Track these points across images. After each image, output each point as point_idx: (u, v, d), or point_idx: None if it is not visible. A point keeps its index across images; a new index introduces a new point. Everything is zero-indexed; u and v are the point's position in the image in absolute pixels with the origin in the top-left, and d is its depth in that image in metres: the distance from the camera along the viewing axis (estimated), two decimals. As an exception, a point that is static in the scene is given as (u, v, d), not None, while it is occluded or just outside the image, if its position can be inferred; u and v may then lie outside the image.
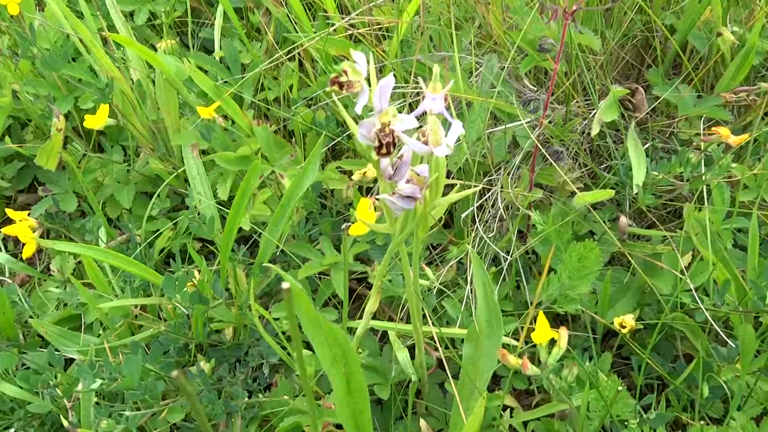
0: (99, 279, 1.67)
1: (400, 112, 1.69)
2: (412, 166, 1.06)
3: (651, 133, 2.05)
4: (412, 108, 1.84)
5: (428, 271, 1.47)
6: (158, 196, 2.00)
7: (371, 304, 1.25)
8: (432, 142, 0.96)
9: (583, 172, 1.91)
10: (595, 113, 1.95)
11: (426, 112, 1.10)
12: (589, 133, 2.03)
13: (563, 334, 1.19)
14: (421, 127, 1.03)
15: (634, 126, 1.91)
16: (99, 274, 1.68)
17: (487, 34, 1.88)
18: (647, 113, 2.06)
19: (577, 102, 1.93)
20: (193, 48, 2.42)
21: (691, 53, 2.17)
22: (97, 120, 1.72)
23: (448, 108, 1.06)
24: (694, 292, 1.53)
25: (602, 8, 1.46)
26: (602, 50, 2.04)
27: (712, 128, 1.54)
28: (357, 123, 0.97)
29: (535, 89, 1.76)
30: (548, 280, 1.55)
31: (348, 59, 0.96)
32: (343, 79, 0.96)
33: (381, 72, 1.93)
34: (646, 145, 1.88)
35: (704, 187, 1.73)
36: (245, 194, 1.60)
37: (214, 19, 2.32)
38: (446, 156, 0.96)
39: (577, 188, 1.95)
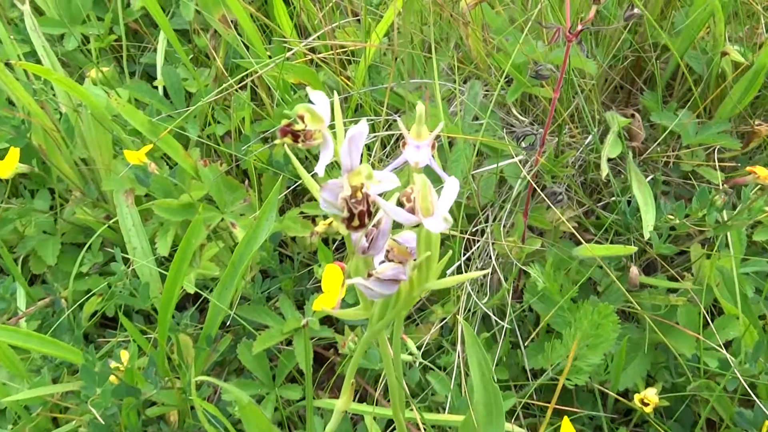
0: (10, 360, 1.38)
1: (369, 151, 1.42)
2: (392, 234, 0.81)
3: (650, 164, 1.84)
4: (384, 145, 1.59)
5: (410, 343, 1.22)
6: (89, 249, 1.71)
7: (343, 402, 0.99)
8: (421, 210, 0.71)
9: (577, 211, 1.68)
10: (588, 142, 1.72)
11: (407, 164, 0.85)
12: (581, 166, 1.81)
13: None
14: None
15: (632, 158, 1.69)
16: (10, 355, 1.38)
17: (466, 56, 1.65)
18: (644, 141, 1.85)
19: (570, 131, 1.70)
20: (135, 76, 2.14)
21: (682, 75, 1.97)
22: (5, 167, 1.43)
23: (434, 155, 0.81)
24: (723, 351, 1.30)
25: (610, 28, 1.24)
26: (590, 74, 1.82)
27: (748, 168, 1.32)
28: (319, 185, 0.72)
29: (525, 120, 1.52)
30: (551, 345, 1.31)
31: (308, 86, 0.71)
32: (298, 127, 0.70)
33: (346, 102, 1.68)
34: (648, 178, 1.66)
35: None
36: (187, 253, 1.33)
37: (157, 43, 2.05)
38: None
39: (572, 229, 1.72)
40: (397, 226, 0.83)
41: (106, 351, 1.64)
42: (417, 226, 0.75)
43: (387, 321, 0.83)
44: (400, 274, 0.76)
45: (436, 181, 0.91)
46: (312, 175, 0.84)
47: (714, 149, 1.83)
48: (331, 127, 0.71)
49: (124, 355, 1.27)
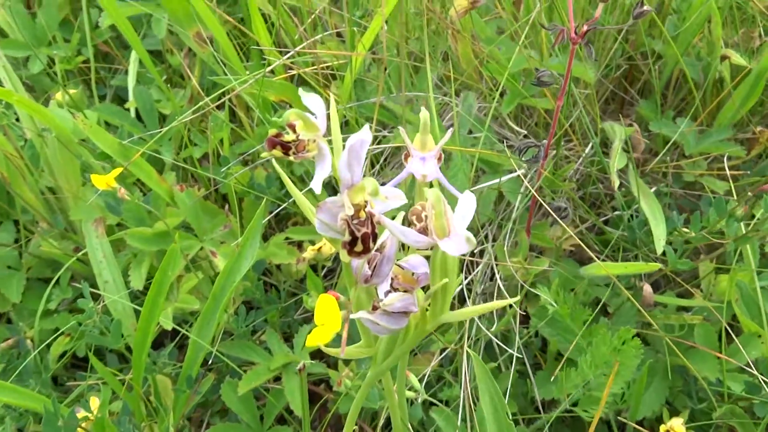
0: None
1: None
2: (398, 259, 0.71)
3: (650, 175, 1.76)
4: (373, 164, 1.49)
5: (413, 379, 1.10)
6: (56, 284, 1.58)
7: (343, 451, 0.88)
8: (436, 230, 0.61)
9: (580, 227, 1.59)
10: (587, 153, 1.64)
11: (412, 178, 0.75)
12: (579, 179, 1.72)
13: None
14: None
15: (632, 169, 1.61)
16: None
17: (455, 67, 1.56)
18: (644, 152, 1.77)
19: (569, 142, 1.62)
20: (105, 100, 2.02)
21: (677, 81, 1.90)
22: (-39, 198, 1.30)
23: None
24: (751, 371, 1.20)
25: (616, 27, 1.16)
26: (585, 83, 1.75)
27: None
28: (315, 205, 0.61)
29: (521, 132, 1.43)
30: (565, 374, 1.20)
31: (292, 106, 0.60)
32: (288, 137, 0.60)
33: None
34: (652, 190, 1.57)
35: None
36: (163, 286, 1.21)
37: (128, 64, 1.94)
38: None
39: (573, 245, 1.63)
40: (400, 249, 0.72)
41: (77, 395, 1.51)
42: (429, 249, 0.65)
43: (394, 359, 0.73)
44: (410, 305, 0.66)
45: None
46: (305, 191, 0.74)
47: (715, 158, 1.76)
48: (327, 138, 0.61)
49: (94, 402, 1.14)
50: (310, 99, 0.58)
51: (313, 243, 1.44)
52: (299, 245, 1.61)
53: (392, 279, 0.71)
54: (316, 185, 0.58)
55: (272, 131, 0.58)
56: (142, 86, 1.72)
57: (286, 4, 1.73)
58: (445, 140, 0.71)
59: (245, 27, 1.72)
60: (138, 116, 1.77)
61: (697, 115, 1.72)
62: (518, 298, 0.70)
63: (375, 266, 0.69)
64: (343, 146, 0.58)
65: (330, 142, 0.60)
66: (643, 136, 1.74)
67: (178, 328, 1.35)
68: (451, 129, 0.71)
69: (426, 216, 0.62)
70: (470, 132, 1.42)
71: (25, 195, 1.64)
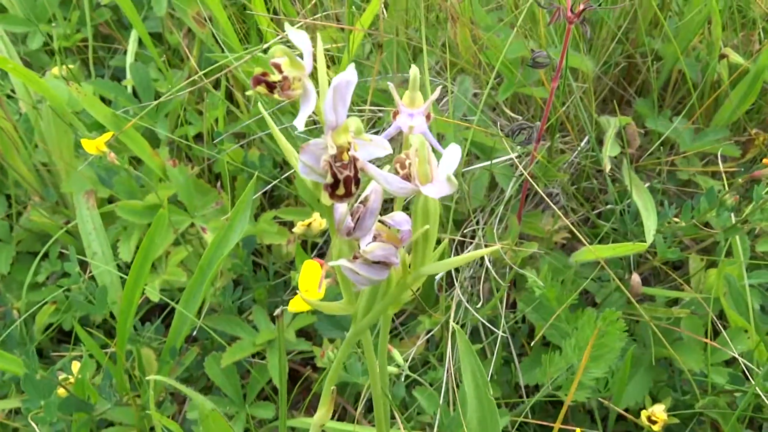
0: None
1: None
2: (382, 215, 0.70)
3: (644, 172, 1.76)
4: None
5: (396, 354, 1.10)
6: (45, 257, 1.58)
7: (321, 415, 0.87)
8: (419, 176, 0.60)
9: (573, 217, 1.59)
10: (583, 146, 1.64)
11: (400, 135, 0.75)
12: (574, 173, 1.72)
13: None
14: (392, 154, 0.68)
15: (628, 163, 1.61)
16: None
17: (453, 52, 1.56)
18: (638, 148, 1.77)
19: (564, 134, 1.62)
20: (103, 79, 2.02)
21: (675, 82, 1.90)
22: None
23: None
24: (737, 363, 1.20)
25: (615, 7, 1.16)
26: (585, 76, 1.75)
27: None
28: (297, 148, 0.61)
29: (519, 119, 1.43)
30: (549, 358, 1.20)
31: (287, 23, 0.61)
32: (274, 77, 0.59)
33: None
34: (645, 185, 1.57)
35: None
36: (149, 254, 1.21)
37: (128, 45, 1.94)
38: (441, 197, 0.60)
39: (563, 238, 1.63)
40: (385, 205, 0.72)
41: (61, 366, 1.50)
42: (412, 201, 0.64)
43: (374, 316, 0.72)
44: (391, 255, 0.65)
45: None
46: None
47: (710, 159, 1.76)
48: (313, 77, 0.61)
49: (76, 366, 1.14)
50: (296, 36, 0.58)
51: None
52: (290, 228, 1.61)
53: (375, 236, 0.71)
54: (300, 122, 0.58)
55: (258, 70, 0.58)
56: (140, 63, 1.72)
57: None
58: (435, 96, 0.71)
59: (246, 9, 1.72)
60: (135, 95, 1.76)
61: (693, 114, 1.72)
62: (506, 242, 0.69)
63: (358, 219, 0.68)
64: (329, 86, 0.57)
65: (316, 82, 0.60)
66: (639, 134, 1.75)
67: (165, 299, 1.34)
68: (439, 87, 0.71)
69: (410, 163, 0.61)
70: (465, 116, 1.42)
71: (19, 168, 1.64)
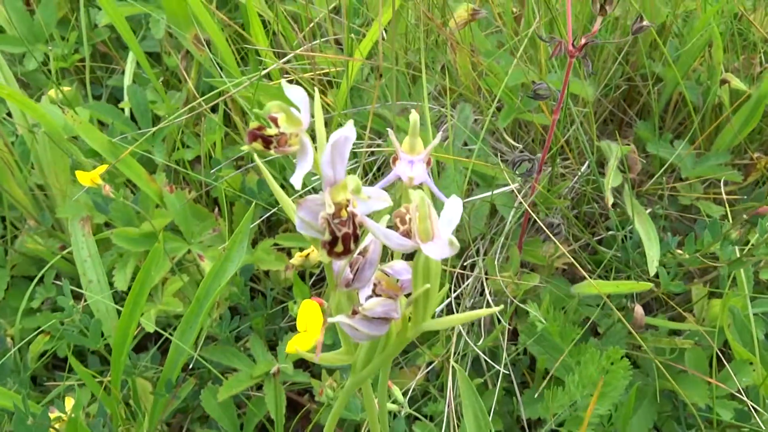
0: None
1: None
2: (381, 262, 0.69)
3: (645, 197, 1.74)
4: (366, 172, 1.48)
5: (396, 391, 1.08)
6: (40, 282, 1.56)
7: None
8: (419, 233, 0.59)
9: (573, 245, 1.57)
10: (583, 171, 1.62)
11: (399, 183, 0.73)
12: (574, 198, 1.71)
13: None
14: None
15: (628, 190, 1.59)
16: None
17: (453, 79, 1.55)
18: (639, 173, 1.75)
19: (565, 160, 1.60)
20: (101, 100, 2.01)
21: (676, 105, 1.89)
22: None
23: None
24: (741, 398, 1.18)
25: (615, 42, 1.15)
26: (585, 101, 1.74)
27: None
28: (295, 203, 0.60)
29: (518, 147, 1.42)
30: (552, 393, 1.18)
31: (283, 81, 0.59)
32: (270, 131, 0.58)
33: (326, 127, 1.56)
34: (647, 211, 1.56)
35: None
36: (145, 285, 1.19)
37: (126, 65, 1.93)
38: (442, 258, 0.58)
39: (564, 263, 1.61)
40: (385, 254, 0.70)
41: (55, 396, 1.48)
42: (413, 254, 0.63)
43: (374, 368, 0.70)
44: (391, 311, 0.64)
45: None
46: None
47: (711, 182, 1.75)
48: (310, 132, 0.59)
49: (69, 402, 1.12)
50: (293, 91, 0.56)
51: (302, 250, 1.42)
52: (289, 253, 1.59)
53: (375, 285, 0.69)
54: (297, 181, 0.56)
55: (253, 124, 0.56)
56: (137, 85, 1.70)
57: (286, 11, 1.73)
58: (435, 144, 0.69)
59: (245, 31, 1.71)
60: (132, 117, 1.75)
61: (694, 138, 1.71)
62: (500, 307, 0.68)
63: (357, 270, 0.67)
64: (327, 142, 0.56)
65: (314, 138, 0.59)
66: (640, 157, 1.73)
67: (160, 331, 1.32)
68: (441, 133, 0.69)
69: (410, 219, 0.60)
70: (465, 144, 1.40)
71: (13, 191, 1.62)
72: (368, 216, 0.60)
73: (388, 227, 0.60)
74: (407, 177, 0.66)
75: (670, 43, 1.77)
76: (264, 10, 1.77)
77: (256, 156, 0.62)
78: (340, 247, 0.58)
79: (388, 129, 0.68)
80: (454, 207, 0.62)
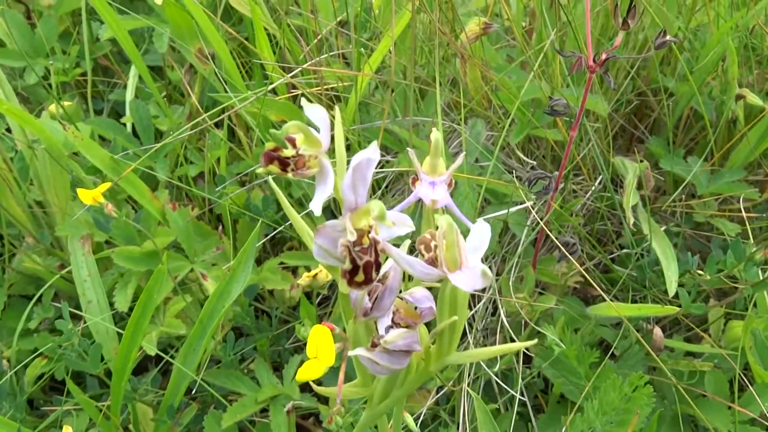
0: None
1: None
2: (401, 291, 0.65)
3: (659, 214, 1.70)
4: (374, 190, 1.44)
5: (409, 420, 1.03)
6: (38, 302, 1.51)
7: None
8: (447, 262, 0.55)
9: (587, 264, 1.53)
10: (596, 188, 1.59)
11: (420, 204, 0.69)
12: (587, 215, 1.67)
13: None
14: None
15: (642, 207, 1.55)
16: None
17: (464, 93, 1.52)
18: (652, 190, 1.71)
19: (578, 176, 1.57)
20: (102, 114, 1.97)
21: (687, 121, 1.86)
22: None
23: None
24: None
25: (638, 57, 1.11)
26: (597, 116, 1.71)
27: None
28: (314, 229, 0.56)
29: (531, 163, 1.38)
30: (571, 420, 1.13)
31: (304, 100, 0.55)
32: (287, 153, 0.54)
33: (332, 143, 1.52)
34: (662, 229, 1.52)
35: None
36: (148, 308, 1.15)
37: (128, 79, 1.89)
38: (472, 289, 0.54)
39: (577, 282, 1.57)
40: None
41: (52, 421, 1.43)
42: (437, 282, 0.58)
43: (392, 402, 0.66)
44: (413, 344, 0.59)
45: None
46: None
47: (725, 199, 1.71)
48: (330, 154, 0.55)
49: (67, 430, 1.07)
50: (313, 111, 0.52)
51: (308, 269, 1.38)
52: (294, 271, 1.55)
53: (393, 313, 0.65)
54: (316, 206, 0.52)
55: (270, 145, 0.53)
56: (139, 100, 1.67)
57: (292, 25, 1.70)
58: (457, 165, 0.65)
59: (250, 44, 1.68)
60: (135, 132, 1.71)
61: (708, 154, 1.67)
62: (535, 341, 0.63)
63: (376, 298, 0.63)
64: (348, 165, 0.52)
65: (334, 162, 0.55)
66: (652, 173, 1.70)
67: (161, 354, 1.28)
68: (462, 154, 0.65)
69: (435, 246, 0.56)
70: (477, 160, 1.36)
71: (12, 208, 1.58)
72: (389, 242, 0.57)
73: (411, 254, 0.56)
74: (430, 200, 0.62)
75: (683, 57, 1.74)
76: (269, 23, 1.74)
77: (272, 182, 0.58)
78: (361, 276, 0.54)
79: (408, 149, 0.64)
80: (481, 233, 0.58)
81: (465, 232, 0.61)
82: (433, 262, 0.55)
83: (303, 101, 0.52)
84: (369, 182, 0.53)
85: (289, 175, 0.53)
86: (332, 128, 0.54)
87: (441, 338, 0.59)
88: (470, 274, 0.53)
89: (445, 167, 0.67)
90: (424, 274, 0.55)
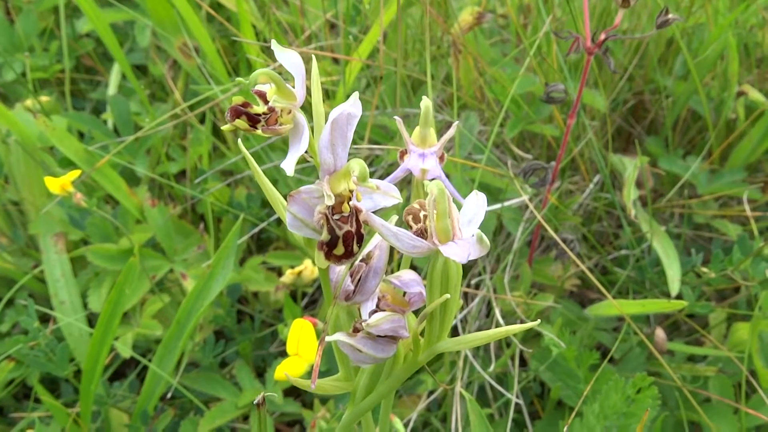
0: None
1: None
2: (386, 274, 0.58)
3: (658, 215, 1.65)
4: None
5: (398, 423, 0.97)
6: (10, 303, 1.44)
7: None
8: (437, 233, 0.49)
9: (588, 263, 1.47)
10: (595, 185, 1.53)
11: (410, 179, 0.63)
12: (584, 214, 1.61)
13: None
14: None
15: (642, 207, 1.50)
16: None
17: (456, 87, 1.46)
18: (650, 190, 1.66)
19: (574, 175, 1.51)
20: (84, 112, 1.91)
21: (684, 121, 1.81)
22: None
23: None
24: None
25: (637, 38, 1.06)
26: (595, 112, 1.66)
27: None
28: (285, 196, 0.49)
29: (527, 157, 1.33)
30: (569, 425, 1.06)
31: (273, 41, 0.49)
32: (257, 109, 0.48)
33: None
34: (662, 229, 1.46)
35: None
36: (118, 306, 1.08)
37: (110, 77, 1.83)
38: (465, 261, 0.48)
39: (574, 285, 1.51)
40: (391, 262, 0.60)
41: (22, 428, 1.35)
42: (427, 261, 0.52)
43: (377, 398, 0.59)
44: (400, 329, 0.53)
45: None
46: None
47: (726, 201, 1.66)
48: (306, 109, 0.49)
49: (31, 438, 0.99)
50: (286, 56, 0.46)
51: (293, 267, 1.31)
52: (279, 273, 1.49)
53: (379, 299, 0.58)
54: (289, 165, 0.46)
55: (237, 99, 0.46)
56: (120, 95, 1.60)
57: (279, 20, 1.64)
58: (450, 135, 0.59)
59: (234, 34, 1.62)
60: (116, 130, 1.65)
61: (708, 153, 1.62)
62: (538, 322, 0.57)
63: (359, 280, 0.56)
64: (326, 121, 0.46)
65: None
66: (651, 173, 1.64)
67: (137, 357, 1.21)
68: (455, 124, 0.59)
69: (425, 216, 0.50)
70: (470, 154, 1.31)
71: (-16, 205, 1.51)
72: (374, 213, 0.50)
73: (398, 225, 0.50)
74: (419, 170, 0.56)
75: (681, 56, 1.69)
76: (256, 19, 1.69)
77: (241, 145, 0.52)
78: (340, 249, 0.48)
79: (396, 117, 0.58)
80: (476, 203, 0.52)
81: (458, 208, 0.55)
82: (422, 233, 0.49)
83: (273, 43, 0.46)
84: (349, 142, 0.47)
85: (259, 131, 0.46)
86: (309, 79, 0.48)
87: (431, 322, 0.53)
88: (463, 245, 0.47)
89: (437, 138, 0.61)
90: (413, 248, 0.48)
